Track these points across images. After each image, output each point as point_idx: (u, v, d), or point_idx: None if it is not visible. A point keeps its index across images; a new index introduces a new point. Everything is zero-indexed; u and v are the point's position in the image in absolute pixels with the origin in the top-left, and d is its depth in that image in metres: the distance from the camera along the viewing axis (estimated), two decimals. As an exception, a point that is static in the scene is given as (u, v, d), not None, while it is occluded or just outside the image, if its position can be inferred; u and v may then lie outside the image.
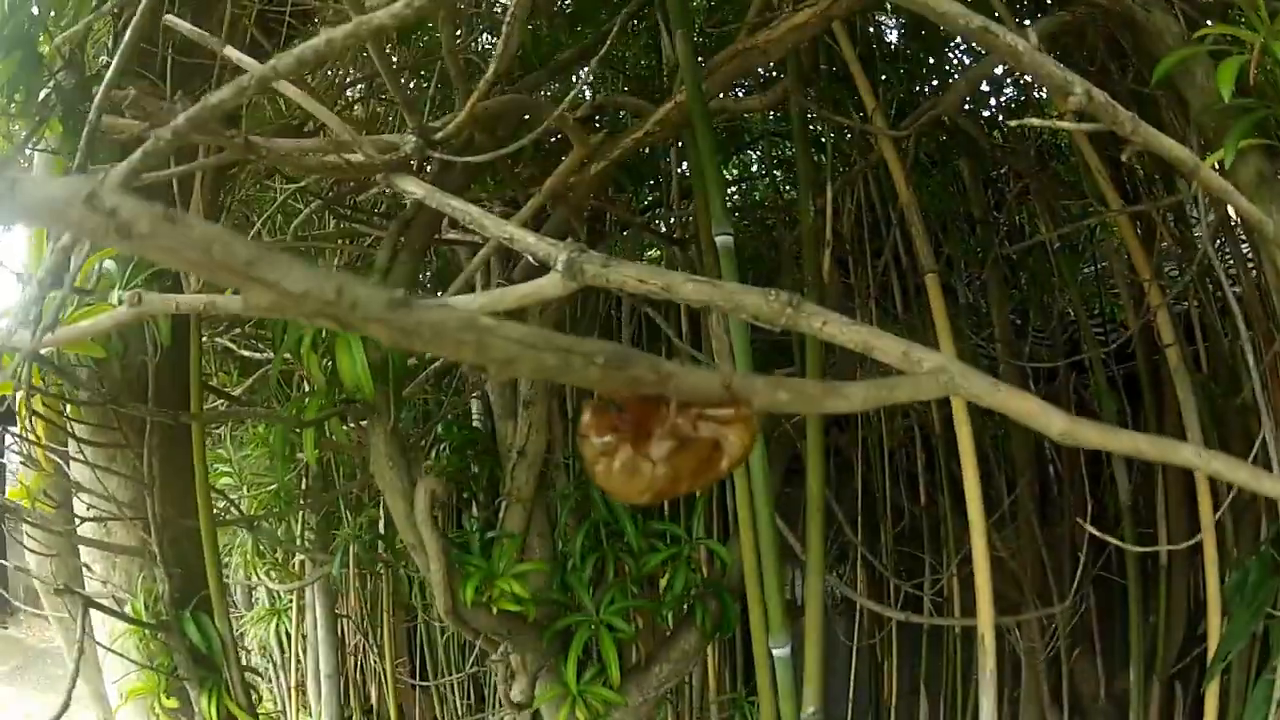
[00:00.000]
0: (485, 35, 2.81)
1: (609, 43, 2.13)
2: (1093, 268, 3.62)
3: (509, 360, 0.47)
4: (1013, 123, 1.51)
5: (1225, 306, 3.01)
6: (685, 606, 2.12)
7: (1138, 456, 0.99)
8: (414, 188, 1.07)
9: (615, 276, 0.87)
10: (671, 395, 0.55)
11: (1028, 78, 3.27)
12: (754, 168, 3.73)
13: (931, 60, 3.24)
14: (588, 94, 2.64)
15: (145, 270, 1.89)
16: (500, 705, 3.30)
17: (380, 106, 2.60)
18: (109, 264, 2.12)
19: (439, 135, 1.18)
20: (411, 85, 2.37)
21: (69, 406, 2.11)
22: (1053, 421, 0.88)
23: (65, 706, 1.93)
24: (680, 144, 3.06)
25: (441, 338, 0.45)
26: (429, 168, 1.47)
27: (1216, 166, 1.55)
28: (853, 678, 3.35)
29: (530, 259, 0.92)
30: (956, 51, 3.36)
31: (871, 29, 3.22)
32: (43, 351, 1.89)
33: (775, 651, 1.70)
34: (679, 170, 3.08)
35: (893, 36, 3.47)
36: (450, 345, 0.45)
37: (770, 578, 1.67)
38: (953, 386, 0.86)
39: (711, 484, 0.60)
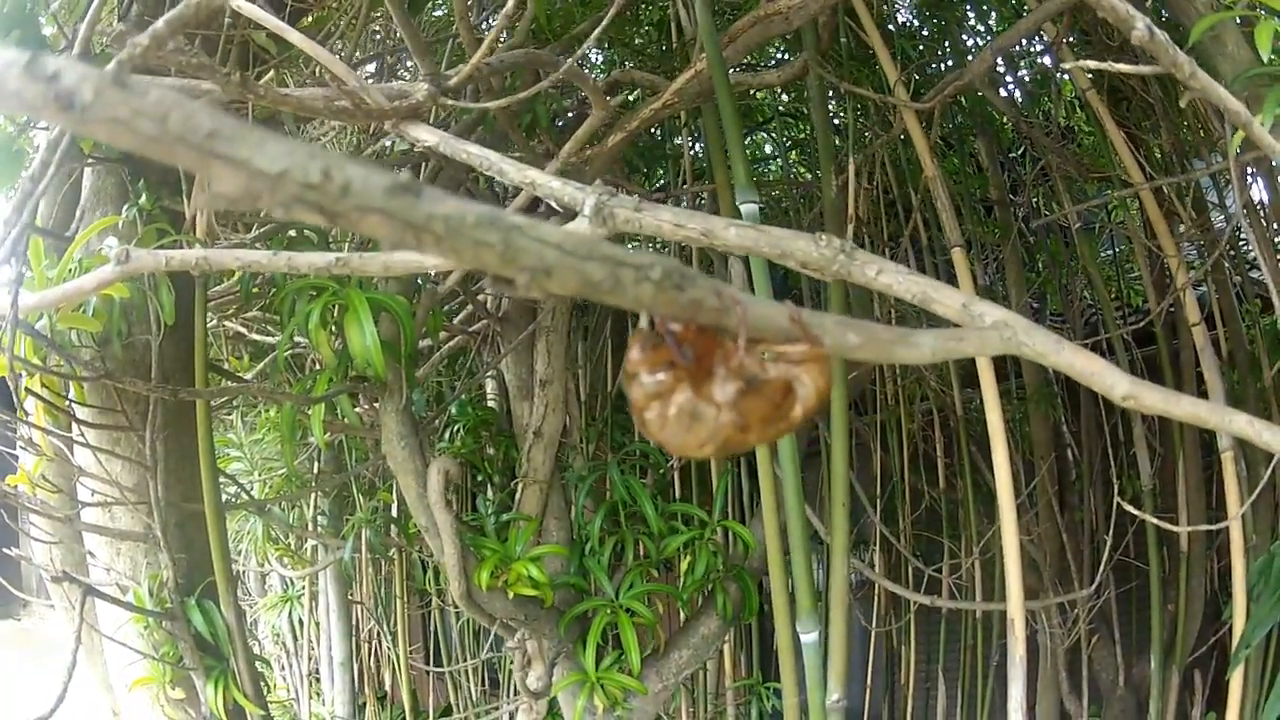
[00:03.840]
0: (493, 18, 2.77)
1: (619, 11, 2.08)
2: (1110, 251, 3.57)
3: (544, 270, 0.39)
4: (1067, 65, 1.45)
5: (1242, 291, 2.97)
6: (705, 590, 2.07)
7: (1197, 423, 0.95)
8: (426, 135, 1.01)
9: (649, 221, 0.81)
10: (738, 327, 0.49)
11: (1046, 59, 3.23)
12: (767, 148, 3.67)
13: (946, 39, 3.19)
14: (599, 75, 2.59)
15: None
16: (515, 691, 3.27)
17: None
18: (112, 240, 2.07)
19: (452, 83, 1.13)
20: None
21: (72, 387, 2.06)
22: (1117, 383, 0.83)
23: (61, 700, 1.87)
24: (689, 124, 3.01)
25: (458, 236, 0.37)
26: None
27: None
28: (870, 663, 3.30)
29: (554, 206, 0.86)
30: (971, 35, 3.32)
31: (885, 6, 3.17)
32: (38, 326, 1.84)
33: (803, 637, 1.65)
34: (691, 152, 3.02)
35: (904, 17, 3.42)
36: (468, 247, 0.37)
37: (799, 561, 1.62)
38: (1016, 342, 0.81)
39: (782, 435, 0.53)
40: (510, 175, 0.89)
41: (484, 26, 2.62)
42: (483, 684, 3.57)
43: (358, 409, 1.92)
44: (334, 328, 1.77)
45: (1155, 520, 2.07)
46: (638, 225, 0.82)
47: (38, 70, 0.33)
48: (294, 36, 1.10)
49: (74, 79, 0.33)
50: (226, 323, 2.69)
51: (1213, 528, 2.30)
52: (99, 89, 0.33)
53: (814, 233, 0.83)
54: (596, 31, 1.17)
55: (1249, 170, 2.35)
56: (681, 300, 0.45)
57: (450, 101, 1.13)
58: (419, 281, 1.91)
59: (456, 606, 3.41)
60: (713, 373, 0.48)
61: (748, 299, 0.49)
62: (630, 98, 2.60)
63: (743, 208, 1.60)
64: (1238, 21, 1.68)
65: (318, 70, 2.37)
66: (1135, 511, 2.09)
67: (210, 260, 1.07)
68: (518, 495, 2.06)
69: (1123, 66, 1.25)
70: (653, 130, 2.76)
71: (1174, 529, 2.50)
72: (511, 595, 1.84)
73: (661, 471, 2.51)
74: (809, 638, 1.66)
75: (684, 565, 2.06)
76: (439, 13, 2.87)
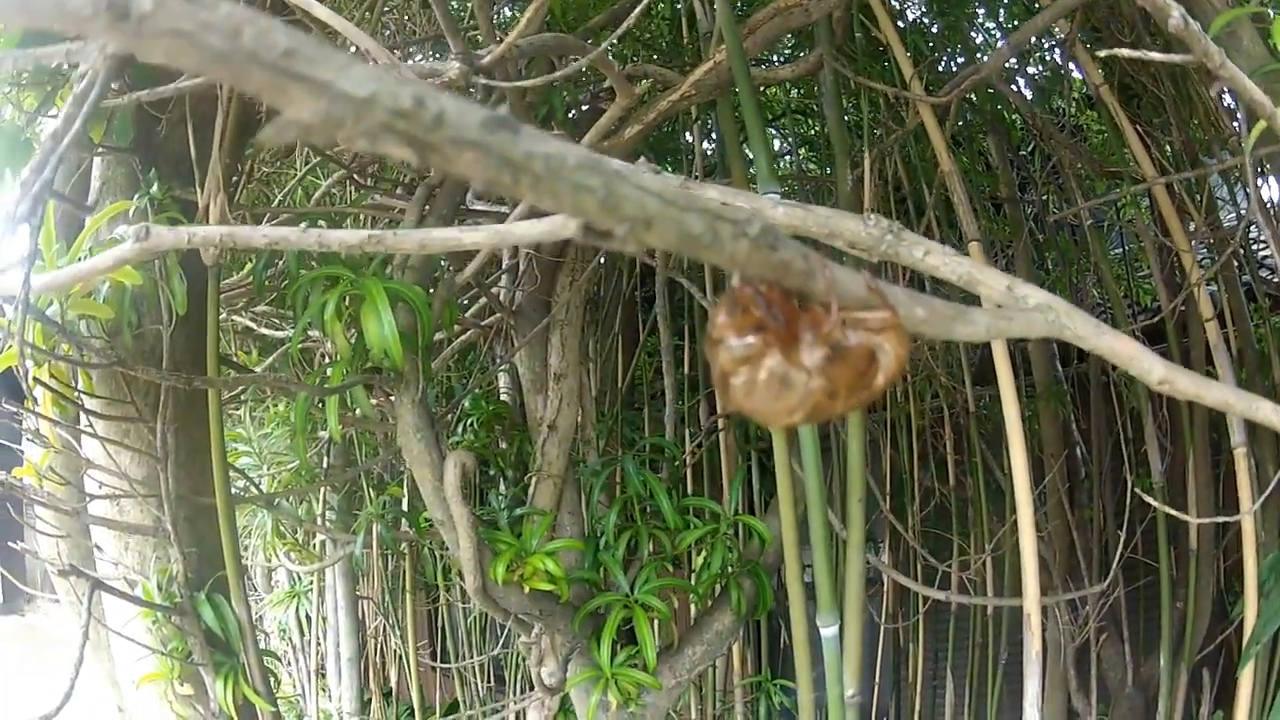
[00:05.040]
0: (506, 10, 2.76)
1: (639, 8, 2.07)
2: (1119, 249, 3.58)
3: (644, 220, 0.37)
4: (1101, 53, 1.45)
5: (1252, 289, 2.97)
6: (719, 586, 2.06)
7: (1225, 409, 0.95)
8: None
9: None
10: (825, 291, 0.48)
11: (1058, 56, 3.23)
12: (776, 144, 3.66)
13: (956, 35, 3.18)
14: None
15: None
16: (521, 688, 3.26)
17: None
18: (123, 229, 2.05)
19: (484, 62, 1.11)
20: (437, 54, 2.30)
21: (80, 378, 2.04)
22: (1153, 368, 0.84)
23: (68, 696, 1.85)
24: (701, 120, 3.00)
25: (557, 179, 0.35)
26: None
27: None
28: (878, 660, 3.30)
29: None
30: (979, 31, 3.32)
31: (896, 1, 3.17)
32: (48, 312, 1.82)
33: (824, 631, 1.64)
34: (702, 147, 3.02)
35: (913, 13, 3.42)
36: (567, 191, 0.35)
37: (820, 555, 1.61)
38: (1059, 325, 0.81)
39: (864, 404, 0.51)
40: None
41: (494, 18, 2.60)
42: (489, 680, 3.56)
43: (371, 401, 1.90)
44: (349, 319, 1.75)
45: (1170, 511, 2.07)
46: (685, 203, 0.81)
47: None
48: (321, 11, 1.09)
49: None
50: (235, 317, 2.67)
51: (1227, 519, 2.30)
52: None
53: (864, 214, 0.82)
54: (629, 20, 1.16)
55: (1262, 167, 2.36)
56: (773, 260, 0.44)
57: (483, 81, 1.11)
58: (435, 271, 1.90)
59: (465, 602, 3.39)
60: (799, 338, 0.47)
61: (832, 264, 0.48)
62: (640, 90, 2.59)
63: (766, 199, 1.59)
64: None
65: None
66: (1151, 501, 2.09)
67: (235, 237, 1.05)
68: (531, 489, 2.05)
69: (1155, 55, 1.25)
70: (661, 125, 2.74)
71: (1187, 519, 2.50)
72: (527, 590, 1.83)
73: (676, 464, 2.50)
74: (829, 632, 1.65)
75: (699, 560, 2.05)
76: (451, 4, 2.85)
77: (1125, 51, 1.17)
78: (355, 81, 0.31)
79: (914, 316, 0.61)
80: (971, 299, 0.84)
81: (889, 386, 0.51)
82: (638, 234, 0.38)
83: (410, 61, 2.42)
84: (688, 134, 3.05)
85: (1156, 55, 1.17)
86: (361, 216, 2.35)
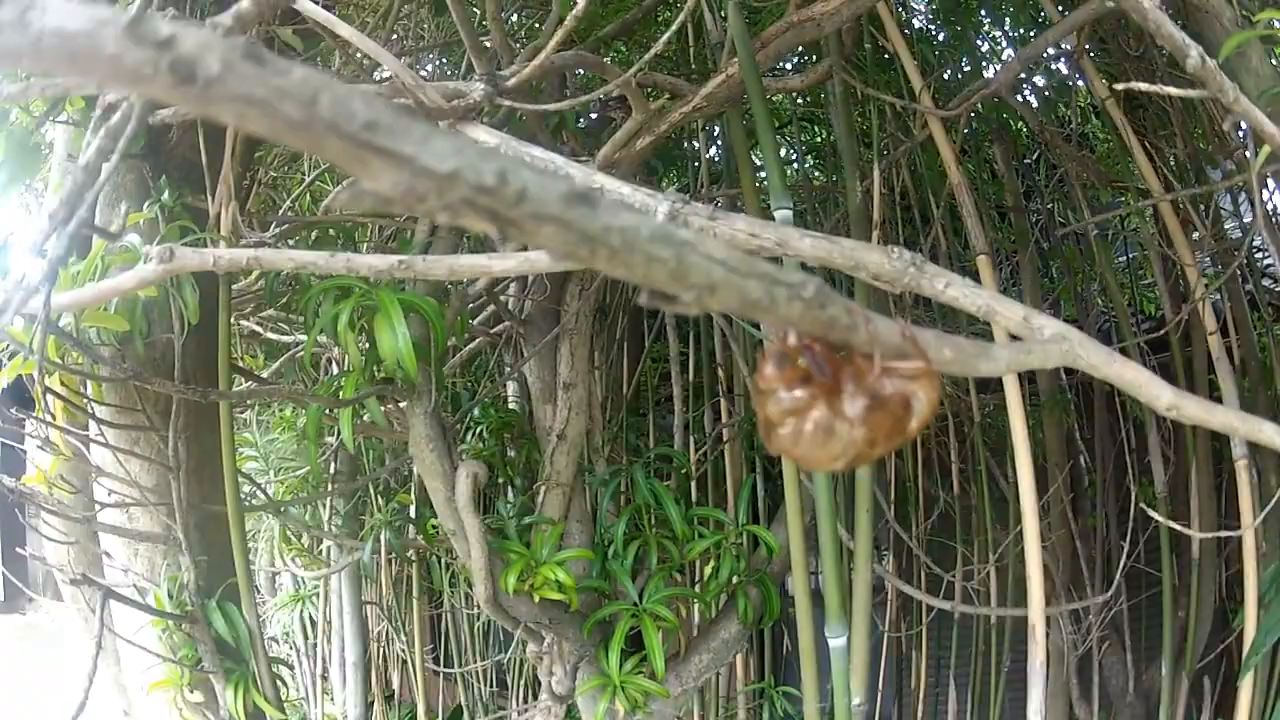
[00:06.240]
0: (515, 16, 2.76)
1: (648, 13, 2.08)
2: (1124, 257, 3.58)
3: (709, 286, 0.39)
4: (1119, 86, 1.46)
5: (1255, 299, 2.98)
6: (726, 594, 2.07)
7: (1229, 431, 0.97)
8: (486, 136, 1.00)
9: (724, 229, 0.82)
10: (867, 343, 0.49)
11: (1063, 66, 3.24)
12: (783, 152, 3.67)
13: (962, 45, 3.19)
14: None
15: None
16: (524, 693, 3.27)
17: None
18: (133, 238, 2.05)
19: (510, 83, 1.12)
20: (445, 60, 2.31)
21: (90, 386, 2.04)
22: (1161, 394, 0.86)
23: (83, 706, 1.86)
24: (708, 128, 3.01)
25: (632, 251, 0.36)
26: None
27: None
28: (881, 668, 3.31)
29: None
30: (985, 40, 3.32)
31: (903, 12, 3.17)
32: (61, 323, 1.82)
33: (832, 642, 1.65)
34: (708, 155, 3.02)
35: (919, 23, 3.43)
36: (640, 261, 0.37)
37: (830, 566, 1.62)
38: (1073, 354, 0.83)
39: (897, 447, 0.53)
40: (577, 179, 0.89)
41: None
42: (491, 685, 3.57)
43: (381, 410, 1.90)
44: (361, 328, 1.76)
45: (1173, 525, 2.08)
46: (712, 233, 0.82)
47: (146, 33, 0.27)
48: (344, 30, 1.10)
49: (194, 46, 0.27)
50: (241, 321, 2.68)
51: (1230, 534, 2.31)
52: (228, 61, 0.27)
53: (888, 246, 0.83)
54: (658, 45, 1.17)
55: (1266, 180, 2.37)
56: (823, 318, 0.45)
57: (508, 102, 1.12)
58: (447, 283, 1.91)
59: (470, 607, 3.40)
60: (841, 389, 0.49)
61: (875, 316, 0.49)
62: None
63: (777, 214, 1.60)
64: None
65: (340, 72, 2.36)
66: (1155, 515, 2.11)
67: (261, 261, 1.06)
68: (540, 498, 2.05)
69: (1172, 89, 1.26)
70: (670, 135, 2.74)
71: (1189, 533, 2.51)
72: (537, 599, 1.84)
73: (684, 471, 2.51)
74: (838, 642, 1.66)
75: (707, 569, 2.06)
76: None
77: (1142, 86, 1.18)
78: (438, 155, 0.31)
79: (942, 357, 0.62)
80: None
81: (921, 430, 0.53)
82: (702, 300, 0.39)
83: (424, 70, 2.42)
84: (694, 141, 3.05)
85: (1173, 90, 1.18)
86: (370, 223, 2.35)
